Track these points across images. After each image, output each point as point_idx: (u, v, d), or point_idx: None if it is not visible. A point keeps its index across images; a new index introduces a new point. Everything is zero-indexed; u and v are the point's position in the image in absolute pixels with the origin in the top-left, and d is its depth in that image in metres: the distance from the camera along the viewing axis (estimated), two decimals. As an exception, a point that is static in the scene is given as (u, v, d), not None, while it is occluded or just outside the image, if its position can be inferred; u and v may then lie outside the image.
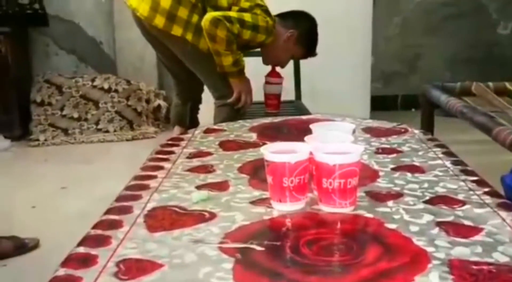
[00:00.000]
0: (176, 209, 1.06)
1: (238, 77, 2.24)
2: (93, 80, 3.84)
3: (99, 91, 3.82)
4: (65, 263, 0.85)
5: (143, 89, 3.90)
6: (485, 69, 4.11)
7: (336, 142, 1.11)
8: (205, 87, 2.45)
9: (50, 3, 3.89)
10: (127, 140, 3.71)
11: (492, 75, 3.29)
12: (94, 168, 3.17)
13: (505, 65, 4.22)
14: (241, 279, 0.80)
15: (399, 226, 0.95)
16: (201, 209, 1.06)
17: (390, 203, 1.06)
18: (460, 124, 2.54)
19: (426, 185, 1.15)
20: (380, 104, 3.96)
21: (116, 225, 0.99)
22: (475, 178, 1.19)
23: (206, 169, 1.30)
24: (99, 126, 3.79)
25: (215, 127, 1.75)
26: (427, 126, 2.19)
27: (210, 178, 1.24)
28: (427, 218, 0.99)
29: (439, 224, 0.96)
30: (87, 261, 0.86)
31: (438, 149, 1.41)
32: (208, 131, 1.69)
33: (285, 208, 1.03)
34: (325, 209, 1.03)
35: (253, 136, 1.60)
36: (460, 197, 1.09)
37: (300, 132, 1.50)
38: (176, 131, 2.44)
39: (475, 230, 0.93)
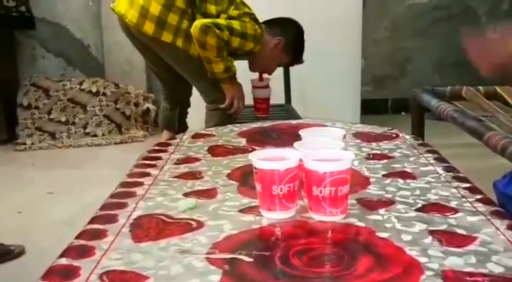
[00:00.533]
0: (163, 218, 1.04)
1: (230, 83, 2.22)
2: (81, 83, 3.80)
3: (87, 95, 3.78)
4: (46, 276, 0.82)
5: (131, 93, 3.86)
6: (475, 73, 4.10)
7: (326, 148, 1.09)
8: (194, 91, 2.42)
9: (37, 5, 3.85)
10: (115, 144, 3.67)
11: (481, 79, 3.29)
12: (82, 172, 3.13)
13: (494, 69, 4.22)
14: (229, 292, 0.77)
15: (391, 235, 0.93)
16: (188, 217, 1.03)
17: (381, 210, 1.04)
18: (450, 127, 2.54)
19: (418, 192, 1.13)
20: (371, 108, 3.96)
21: (100, 234, 0.96)
22: (467, 185, 1.17)
23: (194, 176, 1.28)
24: (87, 130, 3.75)
25: (204, 132, 1.72)
26: (418, 131, 2.18)
27: (198, 185, 1.21)
28: (420, 226, 0.97)
29: (432, 232, 0.94)
30: (69, 273, 0.83)
31: (430, 155, 1.40)
32: (196, 136, 1.66)
33: (274, 216, 1.01)
34: (315, 217, 1.01)
35: (242, 142, 1.58)
36: (453, 204, 1.07)
37: (290, 137, 1.48)
38: (164, 135, 2.42)
39: (469, 239, 0.91)
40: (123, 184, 1.23)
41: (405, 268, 0.82)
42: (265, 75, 2.49)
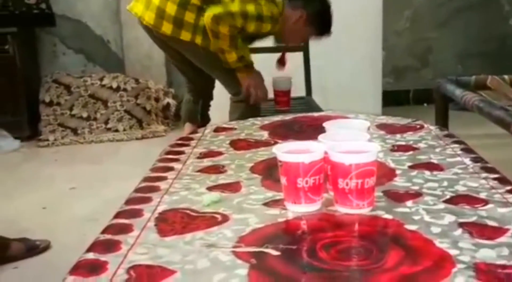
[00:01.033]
0: (188, 212, 1.03)
1: (245, 72, 2.21)
2: (101, 79, 3.82)
3: (108, 90, 3.80)
4: (74, 271, 0.82)
5: (151, 88, 3.87)
6: (498, 62, 4.05)
7: (351, 140, 1.07)
8: (217, 84, 2.42)
9: (57, 2, 3.87)
10: (136, 139, 3.69)
11: (505, 68, 3.23)
12: (104, 167, 3.15)
13: (518, 58, 4.15)
14: (256, 285, 0.77)
15: (419, 227, 0.91)
16: (213, 211, 1.02)
17: (409, 203, 1.02)
18: (473, 118, 2.50)
19: (445, 184, 1.11)
20: (392, 99, 3.91)
21: (126, 229, 0.96)
22: (496, 176, 1.15)
23: (217, 169, 1.27)
24: (108, 126, 3.77)
25: (225, 125, 1.71)
26: (442, 121, 2.14)
27: (222, 179, 1.20)
28: (449, 218, 0.95)
29: (461, 225, 0.92)
30: (96, 268, 0.83)
31: (456, 145, 1.37)
32: (218, 130, 1.65)
33: (300, 209, 1.00)
34: (341, 210, 0.99)
35: (264, 135, 1.57)
36: (482, 195, 1.05)
37: (312, 129, 1.47)
38: (187, 128, 2.42)
39: (500, 231, 0.89)
40: (147, 179, 1.23)
41: (436, 261, 0.80)
42: (285, 71, 2.47)
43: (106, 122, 3.77)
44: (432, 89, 2.57)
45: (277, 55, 2.76)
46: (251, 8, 2.12)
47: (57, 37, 4.00)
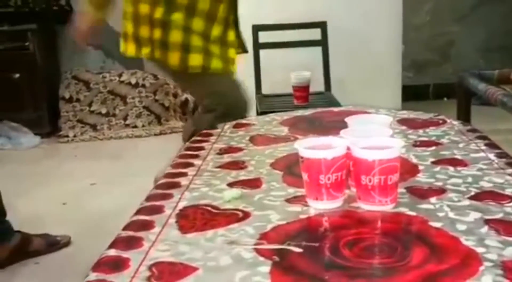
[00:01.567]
0: (209, 208, 1.03)
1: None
2: (120, 75, 3.84)
3: (126, 87, 3.81)
4: (96, 268, 0.82)
5: (170, 84, 3.88)
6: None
7: (374, 136, 1.06)
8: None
9: (76, -1, 3.90)
10: (155, 135, 3.70)
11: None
12: (123, 163, 3.17)
13: (541, 51, 4.08)
14: (279, 283, 0.76)
15: (444, 225, 0.90)
16: (234, 208, 1.02)
17: (433, 199, 1.00)
18: (496, 112, 2.46)
19: (470, 180, 1.09)
20: (412, 94, 3.87)
21: (148, 225, 0.96)
22: (522, 171, 1.12)
23: (238, 165, 1.26)
24: (127, 122, 3.79)
25: (245, 121, 1.71)
26: (464, 116, 2.11)
27: (242, 175, 1.20)
28: (474, 215, 0.93)
29: (487, 221, 0.90)
30: (118, 265, 0.82)
31: (480, 141, 1.35)
32: (237, 126, 1.65)
33: (322, 206, 0.99)
34: (364, 206, 0.98)
35: (285, 130, 1.55)
36: (508, 192, 1.02)
37: (332, 125, 1.45)
38: None
39: (528, 229, 0.87)
40: (168, 175, 1.23)
41: (462, 259, 0.78)
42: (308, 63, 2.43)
43: (125, 119, 3.79)
44: (453, 84, 2.53)
45: (295, 51, 2.74)
46: None
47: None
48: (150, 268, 0.81)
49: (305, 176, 1.00)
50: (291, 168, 1.19)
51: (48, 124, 3.73)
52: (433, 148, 1.31)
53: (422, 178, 1.12)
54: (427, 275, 0.75)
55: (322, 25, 2.73)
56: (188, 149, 1.43)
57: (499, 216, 0.93)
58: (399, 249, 0.83)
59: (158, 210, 1.03)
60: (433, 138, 1.39)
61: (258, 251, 0.84)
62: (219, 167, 1.27)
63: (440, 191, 1.04)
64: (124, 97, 3.80)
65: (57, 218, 2.42)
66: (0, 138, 3.53)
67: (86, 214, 2.46)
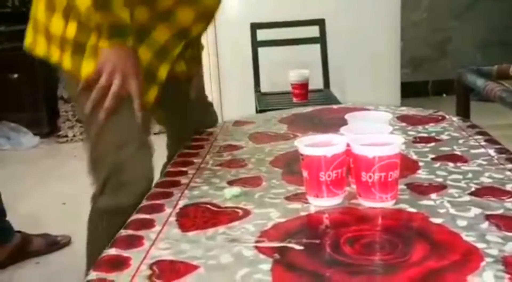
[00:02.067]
0: (209, 206, 1.03)
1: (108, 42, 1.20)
2: (118, 74, 3.83)
3: (125, 86, 3.81)
4: (97, 267, 0.82)
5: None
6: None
7: (374, 132, 1.06)
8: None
9: None
10: (154, 134, 3.68)
11: (527, 58, 3.17)
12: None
13: (539, 47, 4.08)
14: (280, 281, 0.76)
15: (445, 221, 0.90)
16: (235, 206, 1.02)
17: (433, 195, 1.00)
18: (494, 108, 2.45)
19: (470, 176, 1.09)
20: (410, 90, 3.87)
21: (148, 224, 0.96)
22: (522, 167, 1.12)
23: (238, 163, 1.26)
24: (126, 121, 3.78)
25: (244, 119, 1.71)
26: (463, 112, 2.10)
27: (242, 173, 1.20)
28: (475, 211, 0.93)
29: (488, 217, 0.90)
30: (119, 264, 0.82)
31: (480, 137, 1.35)
32: (237, 124, 1.65)
33: (322, 203, 0.99)
34: (364, 203, 0.98)
35: (284, 128, 1.55)
36: (509, 187, 1.02)
37: (332, 122, 1.45)
38: None
39: (528, 224, 0.87)
40: (167, 173, 1.23)
41: (463, 255, 0.78)
42: (303, 69, 2.42)
43: (124, 118, 3.78)
44: (451, 80, 2.52)
45: (294, 49, 2.73)
46: None
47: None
48: (151, 266, 0.81)
49: (305, 174, 1.00)
50: (290, 165, 1.19)
51: (47, 124, 3.73)
52: (433, 144, 1.31)
53: (422, 174, 1.12)
54: (428, 271, 0.75)
55: (320, 23, 2.73)
56: (187, 147, 1.43)
57: (500, 211, 0.93)
58: (400, 245, 0.83)
59: (159, 208, 1.03)
60: (433, 134, 1.39)
61: (259, 249, 0.84)
62: (219, 165, 1.27)
63: (441, 187, 1.04)
64: (123, 96, 3.80)
65: (57, 218, 2.42)
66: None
67: (86, 213, 2.45)
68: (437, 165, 1.17)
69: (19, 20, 3.66)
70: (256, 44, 2.73)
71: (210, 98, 1.68)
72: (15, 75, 3.63)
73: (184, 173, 1.22)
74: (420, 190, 1.03)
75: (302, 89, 2.48)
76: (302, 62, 2.60)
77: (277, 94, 2.67)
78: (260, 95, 2.68)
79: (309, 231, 0.92)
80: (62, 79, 1.46)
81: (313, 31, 2.74)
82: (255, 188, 1.10)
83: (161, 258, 0.84)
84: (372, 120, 1.18)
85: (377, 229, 0.91)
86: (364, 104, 1.74)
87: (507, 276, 0.73)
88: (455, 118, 1.54)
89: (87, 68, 1.22)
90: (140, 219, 0.99)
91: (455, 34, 4.25)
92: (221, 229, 0.92)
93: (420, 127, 1.46)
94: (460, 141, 1.32)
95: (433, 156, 1.22)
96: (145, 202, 1.07)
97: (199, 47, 1.53)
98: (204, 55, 1.72)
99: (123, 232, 0.94)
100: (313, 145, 1.01)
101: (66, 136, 3.66)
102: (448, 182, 1.06)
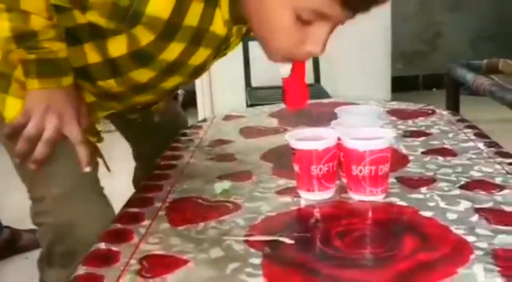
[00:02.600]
0: (199, 200, 1.02)
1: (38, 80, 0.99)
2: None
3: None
4: (86, 261, 0.81)
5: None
6: (510, 46, 4.00)
7: (365, 126, 1.06)
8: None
9: None
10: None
11: (516, 52, 3.19)
12: (121, 161, 3.14)
13: (529, 41, 4.10)
14: (271, 274, 0.75)
15: (435, 214, 0.90)
16: (225, 200, 1.01)
17: (423, 189, 1.00)
18: (484, 102, 2.47)
19: (460, 169, 1.10)
20: (401, 85, 3.88)
21: (137, 218, 0.95)
22: (511, 160, 1.13)
23: (228, 158, 1.26)
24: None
25: (234, 113, 1.70)
26: (453, 106, 2.12)
27: (233, 167, 1.19)
28: (465, 204, 0.93)
29: (478, 210, 0.90)
30: (109, 258, 0.82)
31: (469, 130, 1.35)
32: (227, 118, 1.64)
33: (313, 197, 0.99)
34: (355, 197, 0.98)
35: (274, 122, 1.55)
36: (498, 181, 1.03)
37: (322, 116, 1.44)
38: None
39: (518, 217, 0.88)
40: (157, 167, 1.22)
41: (453, 248, 0.79)
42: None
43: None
44: (442, 74, 2.54)
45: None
46: None
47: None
48: (140, 261, 0.81)
49: (296, 168, 1.00)
50: (281, 159, 1.19)
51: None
52: (423, 138, 1.32)
53: (412, 168, 1.12)
54: (418, 264, 0.75)
55: (311, 17, 2.73)
56: (177, 141, 1.42)
57: (489, 205, 0.93)
58: (390, 239, 0.83)
59: (148, 202, 1.02)
60: (423, 128, 1.40)
61: (249, 243, 0.84)
62: (209, 159, 1.26)
63: (431, 181, 1.04)
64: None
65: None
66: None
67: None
68: (427, 158, 1.17)
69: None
70: (246, 38, 2.71)
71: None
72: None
73: (174, 167, 1.21)
74: (410, 183, 1.03)
75: (293, 84, 2.47)
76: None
77: (268, 89, 2.67)
78: (250, 90, 2.67)
79: (299, 225, 0.92)
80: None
81: (303, 25, 2.73)
82: (245, 182, 1.10)
83: (150, 252, 0.83)
84: (362, 114, 1.18)
85: (368, 223, 0.91)
86: (355, 98, 1.74)
87: (497, 269, 0.73)
88: (445, 112, 1.54)
89: (12, 109, 1.00)
90: (129, 213, 0.98)
91: (446, 29, 4.27)
92: (211, 223, 0.92)
93: (410, 122, 1.46)
94: (450, 135, 1.33)
95: (423, 150, 1.23)
96: (134, 196, 1.06)
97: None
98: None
99: (112, 226, 0.93)
100: (303, 139, 1.00)
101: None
102: (438, 176, 1.07)
